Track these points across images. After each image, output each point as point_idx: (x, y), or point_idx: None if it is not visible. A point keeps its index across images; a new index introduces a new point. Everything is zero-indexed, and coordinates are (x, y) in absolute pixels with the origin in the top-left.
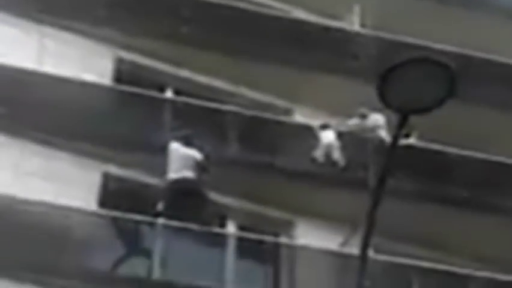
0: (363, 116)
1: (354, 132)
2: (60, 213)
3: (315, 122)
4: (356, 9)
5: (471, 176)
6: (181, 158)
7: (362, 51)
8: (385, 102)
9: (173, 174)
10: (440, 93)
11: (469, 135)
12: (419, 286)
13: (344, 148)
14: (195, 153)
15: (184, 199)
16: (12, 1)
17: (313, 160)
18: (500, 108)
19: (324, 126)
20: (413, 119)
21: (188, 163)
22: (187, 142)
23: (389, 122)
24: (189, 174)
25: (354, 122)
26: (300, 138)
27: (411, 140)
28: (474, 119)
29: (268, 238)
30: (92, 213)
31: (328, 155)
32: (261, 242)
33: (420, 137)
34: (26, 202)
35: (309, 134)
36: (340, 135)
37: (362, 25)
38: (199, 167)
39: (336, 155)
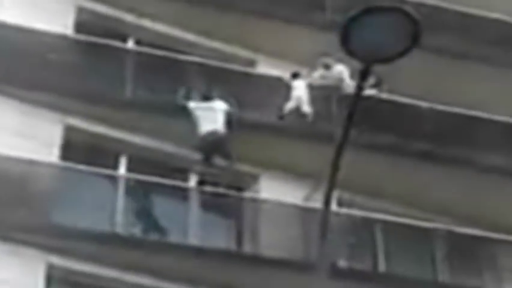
0: (327, 67)
1: (319, 83)
2: (22, 166)
3: (283, 74)
4: None
5: (434, 129)
6: (207, 112)
7: (329, 1)
8: (348, 51)
9: (204, 128)
10: (404, 43)
11: (432, 87)
12: (383, 240)
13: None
14: (222, 105)
15: (213, 153)
16: None
17: (282, 114)
18: (462, 58)
19: (295, 75)
20: (379, 71)
21: (216, 116)
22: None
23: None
24: (219, 127)
25: (318, 73)
26: (266, 90)
27: (372, 91)
28: (437, 69)
29: (232, 192)
30: (54, 166)
31: (298, 108)
32: (224, 196)
33: (390, 90)
34: None
35: (274, 85)
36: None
37: None
38: (229, 118)
39: (306, 107)
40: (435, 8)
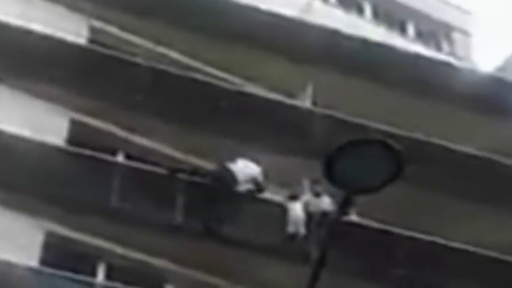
0: (317, 195)
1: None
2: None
3: (281, 195)
4: (309, 88)
5: (410, 256)
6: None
7: (313, 129)
8: (331, 180)
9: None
10: (386, 175)
11: (412, 216)
12: None
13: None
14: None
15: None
16: None
17: (290, 237)
18: (442, 191)
19: (293, 197)
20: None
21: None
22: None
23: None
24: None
25: (307, 198)
26: (245, 208)
27: (353, 217)
28: (417, 200)
29: None
30: (32, 270)
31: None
32: None
33: (360, 214)
34: None
35: (255, 204)
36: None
37: (314, 103)
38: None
39: (302, 229)
40: (419, 142)
